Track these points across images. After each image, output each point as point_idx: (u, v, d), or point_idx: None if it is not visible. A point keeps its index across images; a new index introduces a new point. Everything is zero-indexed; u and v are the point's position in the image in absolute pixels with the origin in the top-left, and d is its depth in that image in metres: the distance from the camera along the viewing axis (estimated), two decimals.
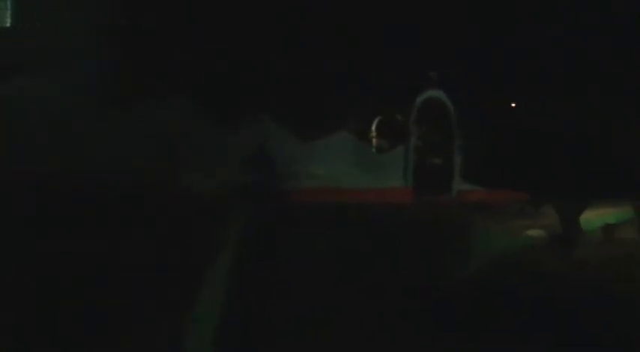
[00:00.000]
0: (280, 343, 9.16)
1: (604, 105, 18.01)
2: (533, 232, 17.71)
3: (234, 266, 11.81)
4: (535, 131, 18.35)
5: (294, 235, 15.03)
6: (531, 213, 19.56)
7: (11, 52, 20.08)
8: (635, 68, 19.17)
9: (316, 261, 13.30)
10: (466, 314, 10.72)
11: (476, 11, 23.86)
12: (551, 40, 20.76)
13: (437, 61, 25.98)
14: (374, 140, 27.87)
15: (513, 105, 22.02)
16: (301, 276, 12.14)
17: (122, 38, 22.37)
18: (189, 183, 19.41)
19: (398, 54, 26.03)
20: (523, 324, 10.31)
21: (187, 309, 9.64)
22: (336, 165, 25.04)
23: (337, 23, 25.58)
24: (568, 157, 17.10)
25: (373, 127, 27.96)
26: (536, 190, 18.15)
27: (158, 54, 22.40)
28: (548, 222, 18.06)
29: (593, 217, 18.04)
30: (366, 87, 26.20)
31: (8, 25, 22.41)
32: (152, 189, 17.35)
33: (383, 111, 27.90)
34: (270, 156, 23.37)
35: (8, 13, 22.35)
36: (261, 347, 9.08)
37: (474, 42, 24.44)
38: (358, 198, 22.67)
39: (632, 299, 12.20)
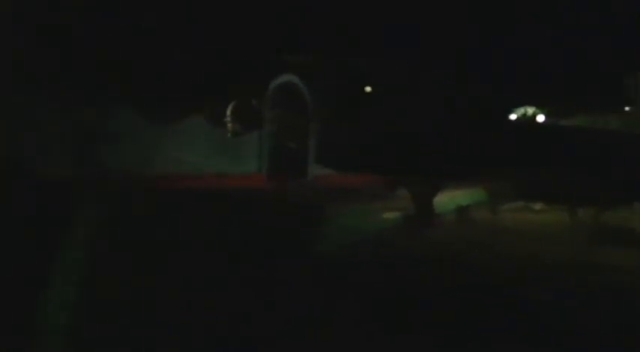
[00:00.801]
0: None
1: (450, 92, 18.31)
2: (389, 214, 17.81)
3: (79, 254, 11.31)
4: (389, 116, 18.45)
5: (144, 221, 14.66)
6: (387, 196, 19.66)
7: None
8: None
9: (168, 248, 12.88)
10: (324, 292, 10.64)
11: None
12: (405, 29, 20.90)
13: (292, 46, 25.87)
14: (229, 125, 27.56)
15: (368, 89, 22.09)
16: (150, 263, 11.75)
17: None
18: (41, 170, 18.68)
19: (252, 39, 25.78)
20: (377, 302, 10.33)
21: None
22: (191, 150, 24.68)
23: (190, 8, 25.15)
24: (421, 141, 17.25)
25: (228, 112, 27.63)
26: (391, 174, 18.25)
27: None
28: (403, 204, 18.20)
29: (447, 199, 18.31)
30: (220, 72, 25.88)
31: None
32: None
33: (237, 96, 27.61)
34: (124, 142, 22.82)
35: None
36: None
37: (326, 27, 24.43)
38: (213, 183, 22.36)
39: (483, 277, 12.43)
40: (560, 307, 10.48)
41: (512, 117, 23.23)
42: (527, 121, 22.76)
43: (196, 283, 10.77)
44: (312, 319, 9.45)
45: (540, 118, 23.76)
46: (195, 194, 19.90)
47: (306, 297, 10.40)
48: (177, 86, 25.04)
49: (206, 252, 12.74)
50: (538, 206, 18.92)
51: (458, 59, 19.11)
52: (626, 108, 22.40)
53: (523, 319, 9.80)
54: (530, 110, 23.59)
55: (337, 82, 23.02)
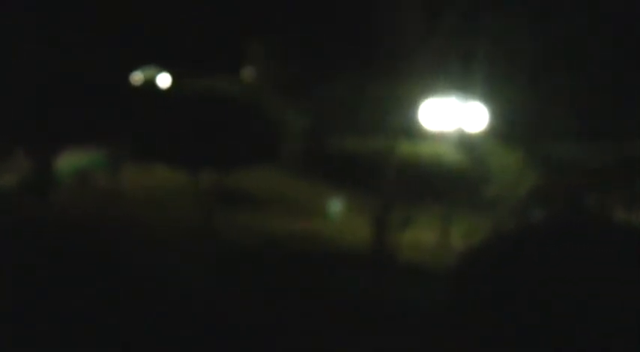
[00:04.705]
0: None
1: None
2: (6, 178, 17.00)
3: None
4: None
5: None
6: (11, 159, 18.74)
7: None
8: None
9: None
10: None
11: None
12: None
13: None
14: None
15: None
16: None
17: None
18: None
19: None
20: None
21: None
22: None
23: None
24: (31, 102, 16.57)
25: None
26: (4, 136, 17.42)
27: None
28: (20, 167, 17.46)
29: (67, 164, 17.84)
30: None
31: None
32: None
33: None
34: None
35: None
36: None
37: None
38: None
39: (105, 243, 12.38)
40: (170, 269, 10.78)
41: (136, 78, 23.12)
42: (148, 84, 22.77)
43: None
44: None
45: (165, 80, 23.87)
46: None
47: None
48: None
49: None
50: (159, 168, 18.96)
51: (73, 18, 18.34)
52: (246, 73, 23.27)
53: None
54: (153, 72, 23.62)
55: None
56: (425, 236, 15.63)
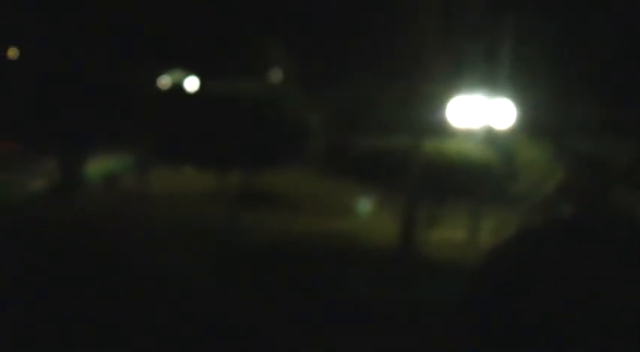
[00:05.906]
0: None
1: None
2: (37, 183, 17.11)
3: None
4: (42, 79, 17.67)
5: None
6: (38, 163, 18.87)
7: None
8: None
9: None
10: None
11: None
12: None
13: None
14: None
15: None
16: None
17: None
18: None
19: None
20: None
21: None
22: None
23: None
24: (55, 105, 16.68)
25: None
26: (30, 139, 17.55)
27: None
28: (48, 171, 17.56)
29: (95, 167, 17.91)
30: None
31: None
32: None
33: None
34: None
35: None
36: None
37: None
38: None
39: (127, 245, 12.38)
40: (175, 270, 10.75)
41: (163, 82, 23.22)
42: (175, 88, 22.84)
43: None
44: None
45: (192, 83, 23.92)
46: None
47: None
48: None
49: None
50: (186, 171, 18.99)
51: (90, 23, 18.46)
52: (272, 74, 23.30)
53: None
54: (180, 75, 23.70)
55: None
56: (453, 233, 15.50)
